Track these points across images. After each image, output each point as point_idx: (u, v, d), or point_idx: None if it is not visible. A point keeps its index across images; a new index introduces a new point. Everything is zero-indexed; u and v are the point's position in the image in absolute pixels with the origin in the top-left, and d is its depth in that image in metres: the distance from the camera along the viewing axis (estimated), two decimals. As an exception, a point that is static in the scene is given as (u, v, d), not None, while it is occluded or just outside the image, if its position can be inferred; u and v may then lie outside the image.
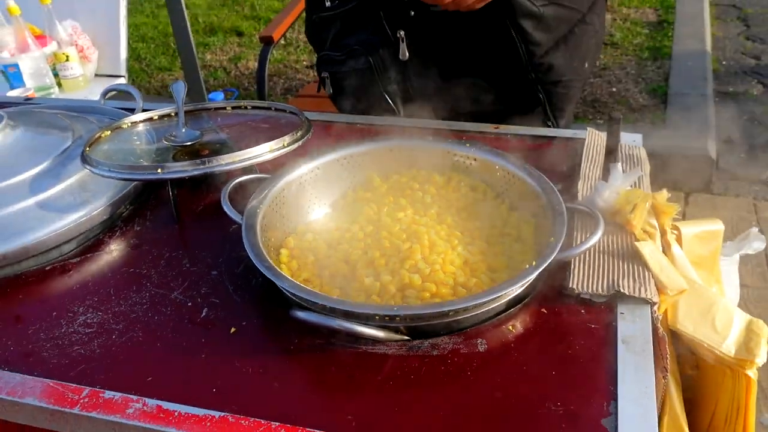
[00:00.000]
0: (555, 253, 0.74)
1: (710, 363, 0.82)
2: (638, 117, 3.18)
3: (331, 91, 1.34)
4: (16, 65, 2.49)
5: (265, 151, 0.91)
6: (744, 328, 0.80)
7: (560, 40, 1.22)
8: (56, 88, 2.59)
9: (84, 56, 2.66)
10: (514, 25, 1.15)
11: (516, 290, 0.73)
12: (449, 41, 1.19)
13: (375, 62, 1.23)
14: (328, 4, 1.25)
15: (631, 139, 1.08)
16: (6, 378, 0.69)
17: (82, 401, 0.66)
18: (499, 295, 0.70)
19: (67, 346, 0.73)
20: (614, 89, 3.49)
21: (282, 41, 4.41)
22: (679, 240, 0.91)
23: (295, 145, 0.95)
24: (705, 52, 3.85)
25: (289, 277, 0.74)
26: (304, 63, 4.14)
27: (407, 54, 1.18)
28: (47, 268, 0.87)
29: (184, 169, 0.87)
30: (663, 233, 0.86)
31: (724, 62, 4.00)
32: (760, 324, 0.80)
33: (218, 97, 3.20)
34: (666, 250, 0.85)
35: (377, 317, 0.69)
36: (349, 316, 0.69)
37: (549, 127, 1.26)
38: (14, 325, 0.77)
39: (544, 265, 0.73)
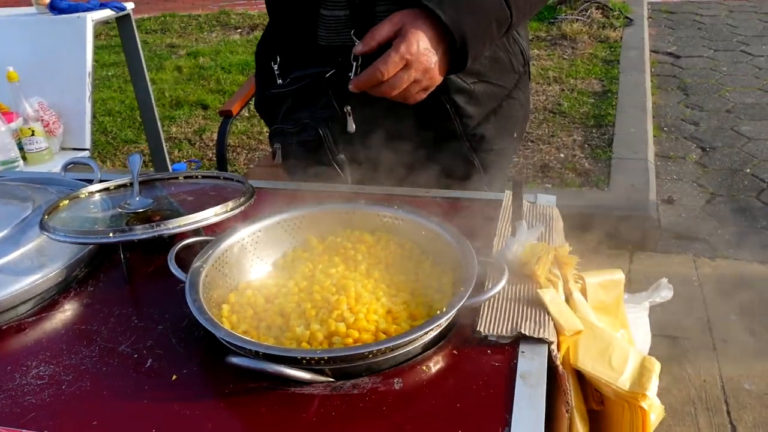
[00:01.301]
0: (463, 300, 0.84)
1: (611, 398, 0.91)
2: (584, 181, 3.36)
3: (281, 160, 1.44)
4: (-19, 140, 2.57)
5: (210, 215, 1.01)
6: (638, 365, 0.90)
7: (490, 113, 1.35)
8: (21, 162, 2.67)
9: (50, 131, 2.75)
10: (449, 100, 1.28)
11: (427, 334, 0.82)
12: (392, 114, 1.30)
13: (324, 134, 1.34)
14: (279, 81, 1.36)
15: (545, 200, 1.20)
16: (-40, 427, 0.75)
17: (30, 445, 0.72)
18: (412, 338, 0.79)
19: (19, 396, 0.80)
20: (562, 155, 3.69)
21: (246, 113, 4.57)
22: (583, 288, 1.02)
23: (238, 210, 1.04)
24: (646, 119, 4.11)
25: (225, 327, 0.82)
26: (266, 134, 4.29)
27: (354, 126, 1.28)
28: (3, 327, 0.93)
29: (134, 233, 0.96)
30: (565, 282, 0.97)
31: (665, 128, 4.25)
32: (652, 361, 0.90)
33: (181, 168, 3.30)
34: (568, 297, 0.96)
35: (304, 360, 0.77)
36: (277, 360, 0.77)
37: (485, 191, 1.38)
38: (-30, 379, 0.83)
39: (453, 311, 0.82)
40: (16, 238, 1.03)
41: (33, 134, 2.68)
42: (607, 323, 1.03)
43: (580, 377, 0.94)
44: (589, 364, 0.89)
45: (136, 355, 0.86)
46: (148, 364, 0.84)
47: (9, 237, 1.03)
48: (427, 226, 1.04)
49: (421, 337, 0.81)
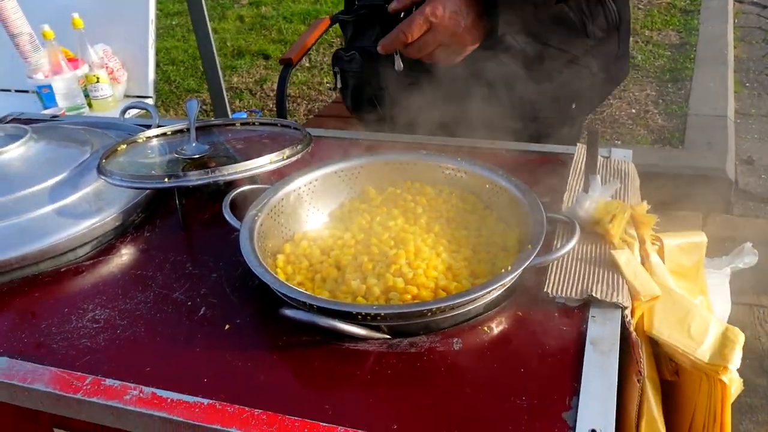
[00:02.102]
0: (530, 259, 0.78)
1: (688, 369, 0.85)
2: (657, 138, 3.19)
3: (340, 85, 1.43)
4: (49, 86, 2.61)
5: (265, 163, 0.97)
6: (719, 335, 0.83)
7: (543, 78, 1.25)
8: (87, 108, 2.71)
9: (114, 78, 2.78)
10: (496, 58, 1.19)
11: (490, 293, 0.77)
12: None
13: (368, 68, 1.31)
14: (355, 5, 1.32)
15: (621, 155, 1.11)
16: (18, 366, 0.75)
17: (84, 388, 0.71)
18: (473, 297, 0.74)
19: (75, 339, 0.79)
20: (634, 110, 3.51)
21: (306, 63, 4.53)
22: (661, 250, 0.94)
23: (295, 158, 1.01)
24: (727, 74, 3.85)
25: (280, 278, 0.79)
26: (327, 85, 4.24)
27: (401, 65, 1.22)
28: (62, 270, 0.93)
29: (189, 178, 0.94)
30: (642, 243, 0.90)
31: (746, 83, 3.99)
32: (735, 331, 0.83)
33: (242, 117, 3.30)
34: (644, 259, 0.89)
35: (359, 316, 0.74)
36: (333, 314, 0.74)
37: None
38: (30, 320, 0.84)
39: (519, 270, 0.77)
40: (74, 181, 1.02)
41: (98, 81, 2.71)
42: (685, 289, 0.96)
43: (653, 345, 0.87)
44: (666, 332, 0.82)
45: (189, 303, 0.84)
46: (201, 312, 0.83)
47: (68, 180, 1.02)
48: (492, 179, 0.98)
49: (483, 296, 0.76)
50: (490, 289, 0.75)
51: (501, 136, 1.20)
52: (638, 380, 0.81)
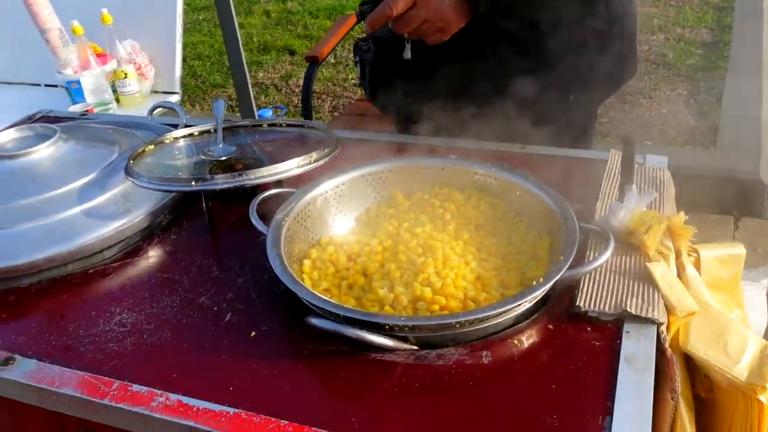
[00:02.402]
0: (563, 271, 0.76)
1: (724, 387, 0.82)
2: (688, 139, 3.13)
3: (360, 75, 1.43)
4: (78, 81, 2.64)
5: (292, 167, 0.97)
6: (758, 353, 0.80)
7: (537, 64, 1.22)
8: (114, 104, 2.73)
9: (141, 74, 2.80)
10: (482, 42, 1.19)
11: (521, 306, 0.75)
12: (447, 49, 1.20)
13: (381, 57, 1.32)
14: None
15: (656, 161, 1.09)
16: (46, 369, 0.75)
17: (112, 393, 0.71)
18: (503, 310, 0.72)
19: (102, 343, 0.79)
20: (664, 110, 3.45)
21: (332, 60, 4.52)
22: (698, 263, 0.92)
23: (321, 162, 1.00)
24: (761, 74, 3.76)
25: (307, 287, 0.78)
26: (352, 81, 4.23)
27: (409, 54, 1.21)
28: (90, 271, 0.93)
29: (215, 182, 0.93)
30: (678, 255, 0.87)
31: (781, 84, 3.89)
32: (774, 349, 0.80)
33: (267, 114, 3.31)
34: (680, 272, 0.86)
35: (387, 327, 0.73)
36: (360, 324, 0.73)
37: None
38: (57, 322, 0.84)
39: (551, 283, 0.75)
40: (102, 182, 1.02)
41: (126, 77, 2.73)
42: (721, 302, 0.93)
43: (687, 360, 0.85)
44: (702, 348, 0.79)
45: (215, 308, 0.84)
46: (228, 318, 0.82)
47: (96, 181, 1.02)
48: (523, 186, 0.96)
49: (513, 309, 0.75)
50: (521, 302, 0.73)
51: (498, 125, 1.17)
52: (672, 398, 0.79)
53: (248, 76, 3.06)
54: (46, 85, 3.06)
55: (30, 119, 1.45)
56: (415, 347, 0.74)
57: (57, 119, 1.45)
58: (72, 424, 0.76)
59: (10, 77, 3.16)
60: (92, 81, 2.68)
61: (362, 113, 2.49)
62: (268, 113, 3.35)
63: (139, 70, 2.79)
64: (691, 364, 0.85)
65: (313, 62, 2.46)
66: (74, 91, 2.69)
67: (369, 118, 2.40)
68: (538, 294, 0.75)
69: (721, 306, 0.92)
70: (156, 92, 2.89)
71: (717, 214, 2.76)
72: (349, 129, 2.16)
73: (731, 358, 0.79)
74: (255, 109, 3.20)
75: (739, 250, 0.94)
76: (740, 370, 0.79)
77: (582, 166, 1.10)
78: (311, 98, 2.45)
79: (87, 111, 2.49)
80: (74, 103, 2.67)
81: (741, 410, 0.81)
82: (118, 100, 2.79)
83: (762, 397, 0.78)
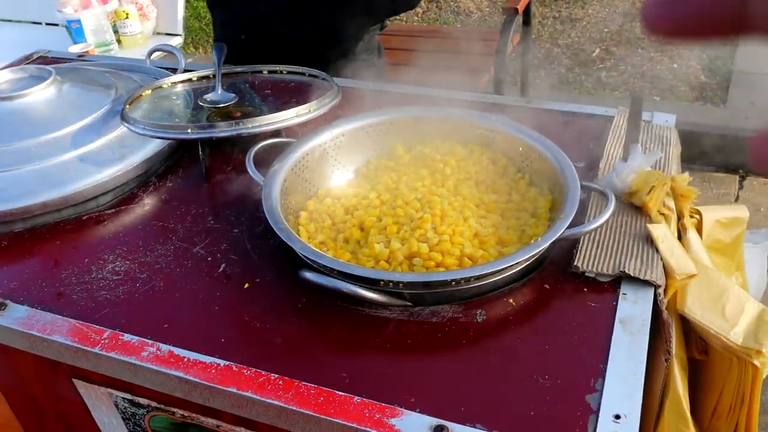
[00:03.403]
0: (562, 231, 0.75)
1: (719, 350, 0.82)
2: (698, 95, 3.07)
3: None
4: (78, 21, 2.58)
5: (291, 116, 0.94)
6: (755, 317, 0.79)
7: None
8: (116, 45, 2.69)
9: (143, 14, 2.73)
10: None
11: (518, 265, 0.74)
12: None
13: None
14: None
15: (663, 119, 1.06)
16: (38, 316, 0.75)
17: (102, 342, 0.71)
18: (500, 268, 0.71)
19: (95, 291, 0.79)
20: (675, 65, 3.37)
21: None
22: (699, 225, 0.90)
23: (321, 111, 0.97)
24: (778, 29, 3.66)
25: (300, 239, 0.77)
26: (360, 27, 4.13)
27: None
28: (84, 218, 0.92)
29: (213, 130, 0.91)
30: (680, 217, 0.86)
31: (798, 41, 3.79)
32: (772, 314, 0.80)
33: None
34: (681, 234, 0.85)
35: (381, 282, 0.72)
36: (354, 279, 0.72)
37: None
38: (50, 268, 0.83)
39: (549, 243, 0.74)
40: (98, 126, 1.00)
41: (127, 17, 2.68)
42: (720, 265, 0.92)
43: (683, 322, 0.84)
44: (699, 312, 0.79)
45: (209, 258, 0.83)
46: (221, 269, 0.81)
47: (91, 125, 1.00)
48: (525, 141, 0.93)
49: (510, 267, 0.74)
50: (518, 261, 0.72)
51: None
52: (666, 360, 0.79)
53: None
54: (47, 24, 3.00)
55: (27, 59, 1.42)
56: (409, 303, 0.74)
57: (54, 60, 1.42)
58: (64, 371, 0.76)
59: (10, 15, 3.09)
60: (93, 20, 2.62)
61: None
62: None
63: (140, 10, 2.72)
64: (686, 325, 0.84)
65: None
66: (75, 30, 2.64)
67: (375, 67, 2.34)
68: (536, 253, 0.73)
69: (721, 269, 0.91)
70: (158, 34, 2.83)
71: (722, 172, 2.73)
72: (354, 77, 2.12)
73: (728, 322, 0.79)
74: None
75: (742, 212, 0.92)
76: (736, 333, 0.78)
77: (589, 122, 1.08)
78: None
79: (87, 52, 2.45)
80: (75, 43, 2.62)
81: (734, 373, 0.81)
82: (119, 41, 2.73)
83: (756, 361, 0.78)
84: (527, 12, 2.43)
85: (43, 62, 1.40)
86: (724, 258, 0.93)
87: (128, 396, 0.75)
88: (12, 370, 0.85)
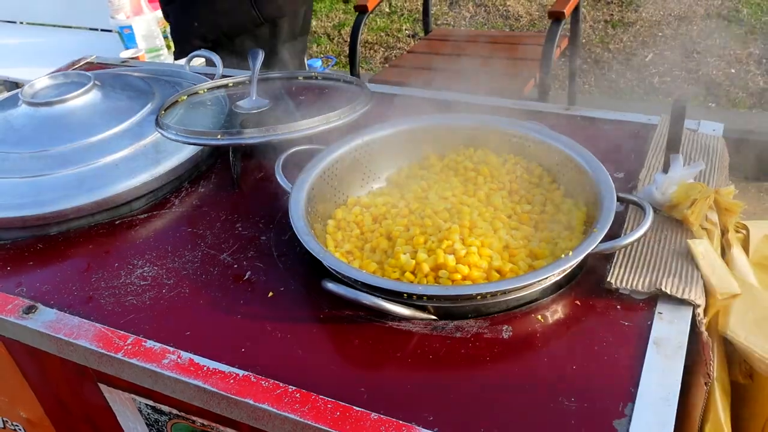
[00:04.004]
0: (595, 245, 0.71)
1: (764, 374, 0.77)
2: (756, 102, 2.94)
3: None
4: (130, 27, 2.65)
5: (321, 123, 0.93)
6: (805, 341, 0.74)
7: None
8: (165, 50, 2.74)
9: (192, 20, 2.78)
10: None
11: (546, 280, 0.71)
12: None
13: None
14: None
15: (710, 128, 1.01)
16: (66, 320, 0.76)
17: (126, 348, 0.71)
18: (527, 283, 0.69)
19: (122, 296, 0.80)
20: (733, 70, 3.24)
21: (386, 9, 4.42)
22: (746, 240, 0.85)
23: (351, 118, 0.96)
24: None
25: (327, 248, 0.76)
26: (406, 32, 4.13)
27: None
28: (117, 222, 0.94)
29: (242, 137, 0.91)
30: (724, 232, 0.81)
31: None
32: (824, 338, 0.74)
33: (316, 64, 3.26)
34: (725, 250, 0.80)
35: (405, 295, 0.70)
36: (377, 291, 0.70)
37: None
38: (81, 272, 0.85)
39: (580, 257, 0.71)
40: (134, 132, 1.02)
41: (177, 23, 2.73)
42: (767, 283, 0.87)
43: (726, 344, 0.80)
44: (742, 334, 0.74)
45: (236, 266, 0.83)
46: (247, 276, 0.81)
47: (127, 131, 1.02)
48: (561, 150, 0.90)
49: (538, 282, 0.71)
50: (546, 276, 0.69)
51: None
52: (706, 383, 0.75)
53: (298, 25, 3.01)
54: (102, 30, 3.09)
55: (73, 65, 1.46)
56: (434, 317, 0.72)
57: (100, 66, 1.45)
58: (90, 374, 0.77)
59: (68, 21, 3.20)
60: (144, 26, 2.68)
61: (412, 65, 2.43)
62: (317, 63, 3.30)
63: (189, 16, 2.77)
64: (729, 347, 0.80)
65: (362, 11, 2.39)
66: (127, 36, 2.71)
67: (418, 71, 2.33)
68: (565, 268, 0.70)
69: (769, 288, 0.86)
70: (205, 40, 2.87)
71: (781, 183, 2.60)
72: (396, 82, 2.11)
73: (774, 346, 0.74)
74: (306, 59, 3.16)
75: (794, 228, 0.86)
76: (783, 358, 0.73)
77: (630, 131, 1.04)
78: (358, 51, 2.39)
79: (137, 57, 2.51)
80: (127, 48, 2.69)
81: (781, 400, 0.76)
82: (168, 47, 2.79)
83: (805, 389, 0.73)
84: (575, 16, 2.38)
85: (89, 68, 1.44)
86: (773, 276, 0.88)
87: (150, 402, 0.75)
88: (42, 372, 0.87)
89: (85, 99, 1.06)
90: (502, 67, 2.26)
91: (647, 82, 3.16)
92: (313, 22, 4.47)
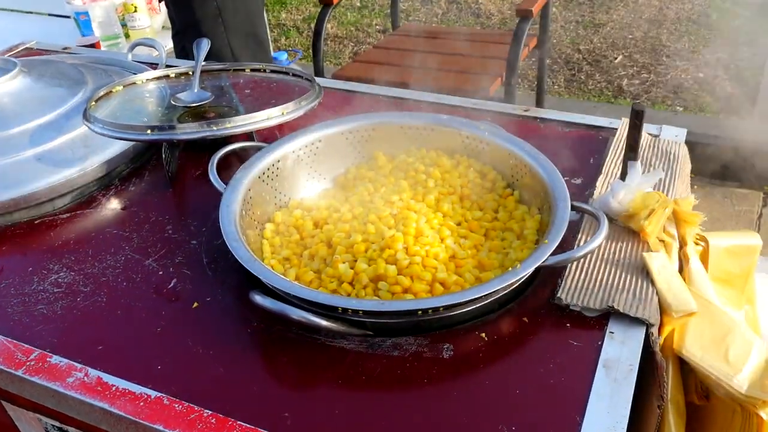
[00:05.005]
0: (543, 258, 0.66)
1: (720, 396, 0.73)
2: (723, 107, 2.94)
3: None
4: (86, 13, 2.54)
5: (262, 118, 0.87)
6: (764, 362, 0.70)
7: None
8: (123, 38, 2.64)
9: (152, 8, 2.69)
10: None
11: (490, 296, 0.66)
12: None
13: None
14: None
15: (673, 133, 0.97)
16: (-34, 331, 0.69)
17: (28, 364, 0.64)
18: (469, 299, 0.63)
19: (32, 304, 0.72)
20: (701, 74, 3.24)
21: (357, 3, 4.35)
22: (705, 253, 0.81)
23: (296, 114, 0.90)
24: (811, 40, 3.51)
25: (253, 256, 0.70)
26: (377, 27, 4.06)
27: None
28: (36, 222, 0.86)
29: (174, 132, 0.84)
30: (683, 244, 0.77)
31: (832, 52, 3.63)
32: (784, 359, 0.70)
33: (281, 57, 3.18)
34: (683, 264, 0.76)
35: (339, 310, 0.64)
36: (307, 304, 0.65)
37: None
38: (-9, 276, 0.77)
39: (528, 271, 0.65)
40: (60, 124, 0.94)
41: (135, 11, 2.63)
42: (728, 298, 0.83)
43: (682, 363, 0.75)
44: (698, 354, 0.70)
45: (161, 272, 0.76)
46: (171, 285, 0.74)
47: (53, 122, 0.94)
48: (517, 154, 0.85)
49: (481, 299, 0.65)
50: (490, 290, 0.64)
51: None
52: (659, 406, 0.70)
53: (265, 17, 2.94)
54: (61, 16, 2.97)
55: (10, 50, 1.37)
56: (370, 333, 0.66)
57: (39, 52, 1.37)
58: (-9, 390, 0.70)
59: (26, 6, 3.08)
60: (101, 13, 2.58)
61: (377, 61, 2.36)
62: (283, 56, 3.22)
63: (149, 4, 2.68)
64: (686, 367, 0.75)
65: (327, 4, 2.33)
66: (83, 23, 2.60)
67: (381, 67, 2.27)
68: (512, 283, 0.65)
69: (729, 302, 0.82)
70: (166, 28, 2.78)
71: (746, 188, 2.61)
72: (358, 77, 2.05)
73: (731, 367, 0.70)
74: (271, 51, 3.07)
75: (755, 240, 0.82)
76: (740, 380, 0.69)
77: (592, 134, 0.99)
78: (321, 44, 2.33)
79: (94, 45, 2.41)
80: (83, 35, 2.58)
81: (737, 423, 0.72)
82: (127, 35, 2.69)
83: (762, 413, 0.69)
84: (545, 15, 2.34)
85: (27, 54, 1.35)
86: (733, 290, 0.84)
87: (57, 423, 0.69)
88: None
89: (8, 86, 0.98)
90: (469, 65, 2.21)
91: (616, 84, 3.15)
92: (283, 15, 4.39)
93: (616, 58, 3.37)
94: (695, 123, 2.83)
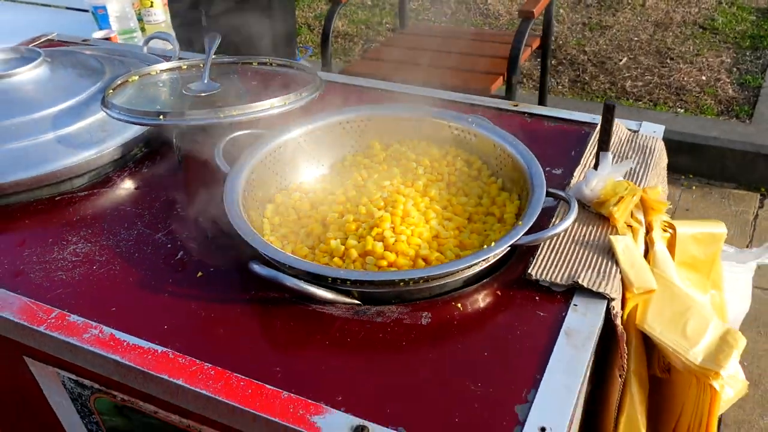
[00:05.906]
0: (518, 236, 0.73)
1: (679, 369, 0.79)
2: (723, 110, 2.99)
3: None
4: (104, 7, 2.62)
5: (265, 107, 0.94)
6: (718, 337, 0.77)
7: None
8: (139, 32, 2.72)
9: (167, 4, 2.76)
10: None
11: (467, 270, 0.72)
12: None
13: None
14: None
15: (651, 129, 1.03)
16: (-8, 293, 0.76)
17: (49, 321, 0.72)
18: (447, 272, 0.70)
19: (52, 271, 0.80)
20: (704, 77, 3.29)
21: (368, 2, 4.41)
22: (673, 239, 0.87)
23: (297, 104, 0.96)
24: (816, 46, 3.55)
25: (253, 231, 0.77)
26: (387, 25, 4.13)
27: None
28: (57, 198, 0.94)
29: (183, 118, 0.91)
30: (649, 230, 0.83)
31: (836, 58, 3.66)
32: (736, 335, 0.77)
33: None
34: (648, 248, 0.82)
35: (329, 279, 0.71)
36: (302, 275, 0.71)
37: None
38: (15, 246, 0.85)
39: (503, 248, 0.72)
40: (80, 109, 1.01)
41: (152, 6, 2.71)
42: (694, 282, 0.89)
43: (646, 339, 0.82)
44: (658, 328, 0.76)
45: (169, 245, 0.84)
46: (179, 256, 0.82)
47: (73, 108, 1.01)
48: (501, 145, 0.92)
49: (460, 271, 0.72)
50: (467, 265, 0.71)
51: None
52: (620, 375, 0.77)
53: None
54: (80, 10, 3.06)
55: (33, 41, 1.45)
56: (357, 302, 0.73)
57: (60, 43, 1.44)
58: (15, 348, 0.77)
59: (43, -1, 3.16)
60: (118, 8, 2.66)
61: (384, 58, 2.43)
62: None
63: (164, -1, 2.75)
64: (650, 342, 0.82)
65: (336, 2, 2.40)
66: (101, 17, 2.68)
67: (389, 64, 2.34)
68: (485, 259, 0.72)
69: (693, 285, 0.89)
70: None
71: (743, 189, 2.65)
72: (365, 74, 2.12)
73: (688, 341, 0.76)
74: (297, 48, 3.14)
75: (719, 228, 0.89)
76: (695, 353, 0.75)
77: (576, 129, 1.05)
78: (330, 42, 2.40)
79: (110, 38, 2.49)
80: (101, 29, 2.66)
81: (693, 394, 0.79)
82: (143, 29, 2.77)
83: (715, 383, 0.75)
84: (548, 16, 2.40)
85: (49, 45, 1.43)
86: (698, 275, 0.90)
87: (73, 376, 0.76)
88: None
89: (32, 74, 1.05)
90: (472, 64, 2.27)
91: (619, 86, 3.20)
92: (296, 12, 4.45)
93: (621, 60, 3.42)
94: (696, 124, 2.88)
